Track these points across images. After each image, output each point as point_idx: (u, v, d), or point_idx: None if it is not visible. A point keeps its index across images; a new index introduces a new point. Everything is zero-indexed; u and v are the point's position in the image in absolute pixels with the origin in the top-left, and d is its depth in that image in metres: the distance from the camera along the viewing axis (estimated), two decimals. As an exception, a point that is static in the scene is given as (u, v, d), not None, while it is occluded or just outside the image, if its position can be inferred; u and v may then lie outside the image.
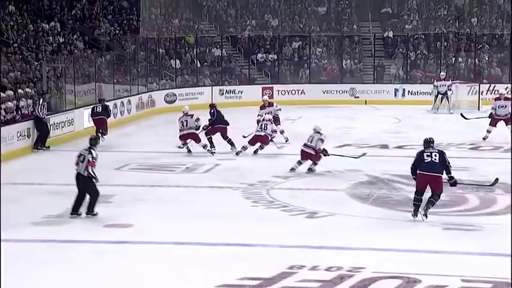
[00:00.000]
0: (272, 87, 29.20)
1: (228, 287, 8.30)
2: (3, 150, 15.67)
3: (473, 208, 12.21)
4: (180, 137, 17.26)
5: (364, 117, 24.79)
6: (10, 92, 18.69)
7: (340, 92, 29.35)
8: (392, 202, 12.57)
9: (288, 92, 29.15)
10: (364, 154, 16.09)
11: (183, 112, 17.47)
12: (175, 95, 27.43)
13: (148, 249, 9.88)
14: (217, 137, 17.66)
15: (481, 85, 27.41)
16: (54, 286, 8.54)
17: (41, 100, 18.12)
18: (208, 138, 17.56)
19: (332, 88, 29.55)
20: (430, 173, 11.09)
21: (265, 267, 8.87)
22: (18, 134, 17.34)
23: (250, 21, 33.45)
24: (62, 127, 19.53)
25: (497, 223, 11.13)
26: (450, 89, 25.84)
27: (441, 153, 11.19)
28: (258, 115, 18.98)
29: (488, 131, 19.09)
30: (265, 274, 8.59)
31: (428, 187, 11.13)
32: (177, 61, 29.44)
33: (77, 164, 11.53)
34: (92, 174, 11.39)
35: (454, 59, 31.10)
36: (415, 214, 11.12)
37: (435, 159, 11.09)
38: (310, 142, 15.11)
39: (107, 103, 20.51)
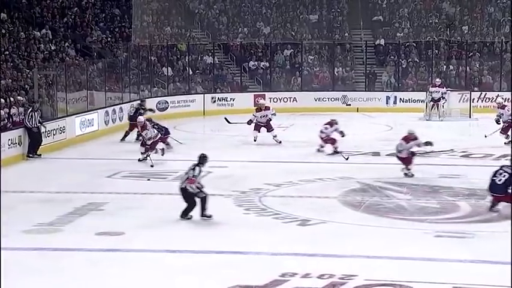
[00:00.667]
0: (264, 94, 29.16)
1: (220, 295, 8.31)
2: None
3: (465, 215, 12.22)
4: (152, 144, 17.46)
5: (356, 125, 24.78)
6: (1, 100, 18.63)
7: (332, 99, 29.41)
8: (384, 209, 12.58)
9: (280, 100, 29.16)
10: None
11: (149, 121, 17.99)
12: (167, 103, 27.41)
13: (140, 257, 9.86)
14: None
15: (472, 93, 27.51)
16: (46, 294, 8.52)
17: (29, 110, 18.01)
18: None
19: (324, 96, 29.60)
20: None
21: (257, 274, 8.87)
22: (10, 142, 17.29)
23: (242, 29, 33.47)
24: (54, 135, 19.48)
25: (489, 230, 11.17)
26: (444, 97, 25.94)
27: None
28: (253, 115, 19.77)
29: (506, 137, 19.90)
30: (257, 282, 8.58)
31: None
32: (169, 69, 29.43)
33: (183, 176, 11.64)
34: (191, 190, 11.40)
35: (445, 66, 31.19)
36: None
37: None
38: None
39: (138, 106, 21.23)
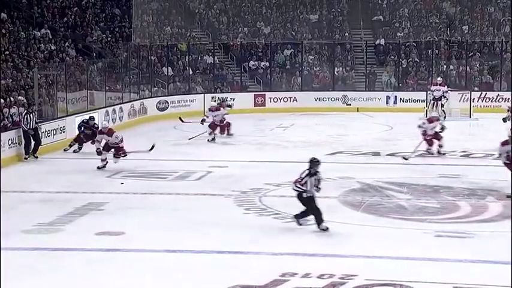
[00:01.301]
0: (264, 94, 29.26)
1: (220, 295, 8.31)
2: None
3: (465, 215, 12.22)
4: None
5: (356, 125, 24.83)
6: (1, 100, 18.62)
7: (332, 99, 29.41)
8: (384, 209, 12.57)
9: (280, 100, 29.18)
10: None
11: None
12: (168, 103, 27.43)
13: (140, 257, 9.85)
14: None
15: (472, 93, 27.51)
16: (46, 294, 8.52)
17: (24, 113, 17.91)
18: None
19: (324, 95, 29.60)
20: None
21: (257, 274, 8.86)
22: (10, 142, 17.29)
23: (243, 29, 33.48)
24: (54, 135, 19.48)
25: (489, 230, 11.16)
26: (445, 96, 25.92)
27: None
28: (206, 115, 21.26)
29: None
30: (257, 282, 8.58)
31: None
32: (169, 68, 29.44)
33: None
34: (296, 188, 11.20)
35: (445, 66, 31.18)
36: None
37: None
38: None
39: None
